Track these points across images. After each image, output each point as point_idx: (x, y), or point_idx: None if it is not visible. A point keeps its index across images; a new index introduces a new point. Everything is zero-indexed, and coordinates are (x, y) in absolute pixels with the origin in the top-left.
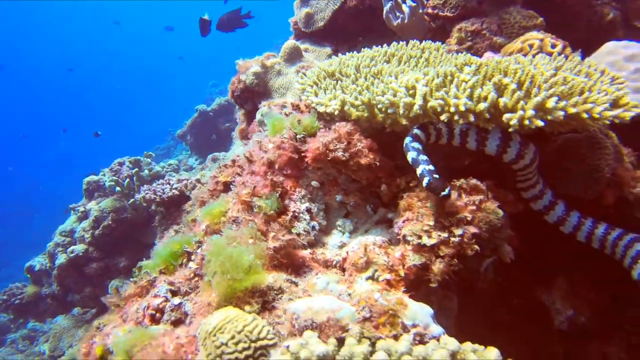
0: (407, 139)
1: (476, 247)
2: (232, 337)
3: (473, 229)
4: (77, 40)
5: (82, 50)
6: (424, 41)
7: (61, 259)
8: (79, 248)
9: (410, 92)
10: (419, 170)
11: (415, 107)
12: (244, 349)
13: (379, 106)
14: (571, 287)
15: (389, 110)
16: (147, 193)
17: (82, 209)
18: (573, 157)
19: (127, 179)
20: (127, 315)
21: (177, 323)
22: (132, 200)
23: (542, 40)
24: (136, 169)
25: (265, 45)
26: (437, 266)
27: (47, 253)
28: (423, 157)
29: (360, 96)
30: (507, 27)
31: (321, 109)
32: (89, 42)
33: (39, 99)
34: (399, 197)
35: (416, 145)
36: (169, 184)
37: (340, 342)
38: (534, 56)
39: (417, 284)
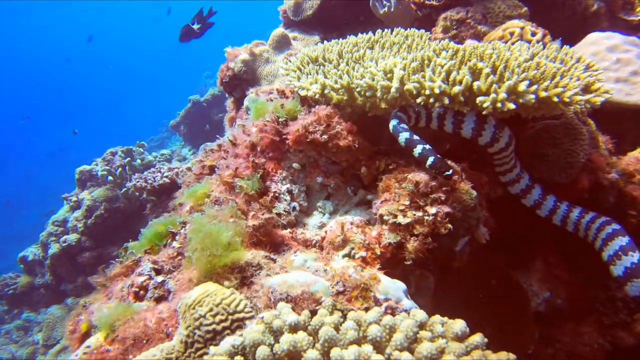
0: (393, 122)
1: (450, 226)
2: (210, 310)
3: (447, 209)
4: (72, 32)
5: (76, 42)
6: (408, 29)
7: (54, 248)
8: (72, 237)
9: (388, 75)
10: (417, 150)
11: (392, 90)
12: (221, 321)
13: (358, 89)
14: (548, 269)
15: (367, 94)
16: (138, 181)
17: (74, 198)
18: (549, 142)
19: (120, 169)
20: (112, 294)
21: (159, 300)
22: (124, 189)
23: (522, 28)
24: (128, 159)
25: (260, 36)
26: (412, 244)
27: (40, 243)
28: (417, 137)
29: (340, 80)
30: (492, 16)
31: (303, 93)
32: (83, 34)
33: (33, 90)
34: (378, 179)
35: (404, 126)
36: (159, 172)
37: (314, 313)
38: (513, 43)
39: (394, 263)
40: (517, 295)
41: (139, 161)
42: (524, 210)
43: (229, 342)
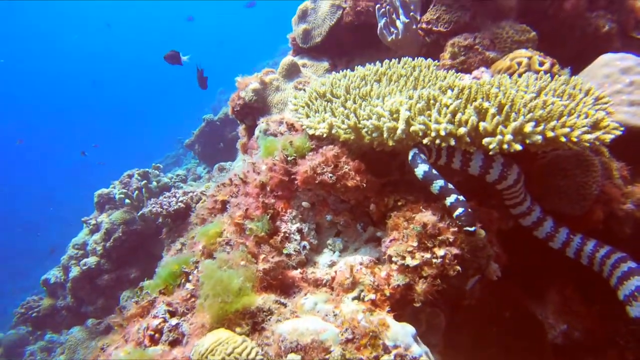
0: (413, 150)
1: (458, 267)
2: None
3: (455, 250)
4: (89, 51)
5: (94, 61)
6: (416, 58)
7: (74, 271)
8: (91, 260)
9: (394, 116)
10: (449, 200)
11: (399, 132)
12: None
13: (364, 130)
14: (564, 301)
15: (374, 135)
16: (154, 207)
17: (93, 221)
18: (560, 173)
19: (136, 191)
20: (129, 336)
21: (174, 343)
22: (141, 212)
23: (530, 58)
24: (145, 181)
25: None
26: (421, 286)
27: (62, 266)
28: (436, 172)
29: (347, 120)
30: (500, 42)
31: (311, 132)
32: (99, 52)
33: (54, 110)
34: (387, 216)
35: (424, 157)
36: (174, 197)
37: None
38: (520, 75)
39: (403, 303)
40: (532, 327)
41: (155, 183)
42: (538, 240)
43: None
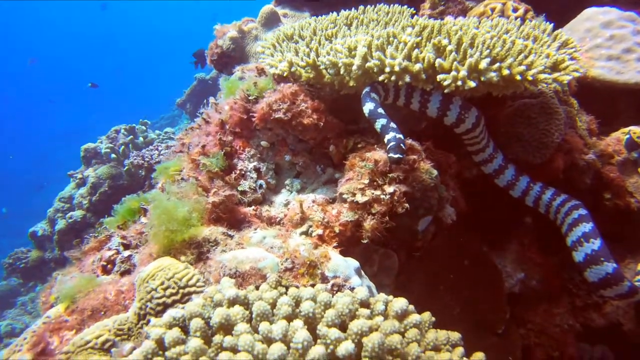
0: (365, 89)
1: (407, 205)
2: (162, 283)
3: (404, 188)
4: (83, 15)
5: (90, 19)
6: (391, 5)
7: (60, 224)
8: (77, 214)
9: (352, 53)
10: (379, 124)
11: (354, 68)
12: (172, 294)
13: (322, 67)
14: (523, 250)
15: (331, 71)
16: (135, 159)
17: (79, 175)
18: (524, 121)
19: (123, 146)
20: (84, 268)
21: (125, 274)
22: (127, 167)
23: (504, 4)
24: (131, 137)
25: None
26: (369, 222)
27: (48, 219)
28: (382, 111)
29: (305, 57)
30: None
31: (272, 71)
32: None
33: (47, 70)
34: (346, 157)
35: (375, 97)
36: (157, 150)
37: (258, 289)
38: (492, 20)
39: (354, 242)
40: (490, 275)
41: (141, 139)
42: (500, 191)
43: (170, 314)
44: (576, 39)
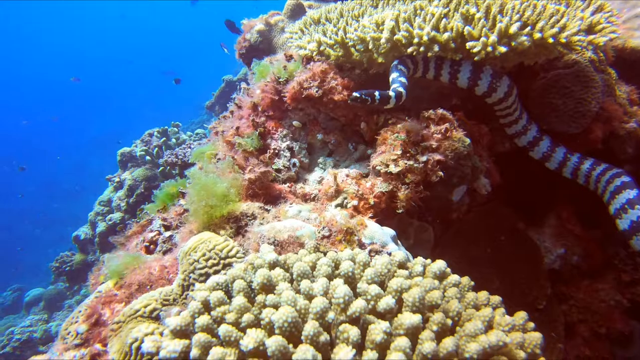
0: (394, 62)
1: (440, 173)
2: (203, 255)
3: (437, 156)
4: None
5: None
6: None
7: (101, 226)
8: (116, 216)
9: (380, 27)
10: (392, 76)
11: (382, 41)
12: (213, 265)
13: (350, 43)
14: (562, 224)
15: (360, 47)
16: (169, 157)
17: (117, 179)
18: (559, 91)
19: (156, 148)
20: (128, 250)
21: (167, 252)
22: (161, 168)
23: None
24: (164, 138)
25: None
26: (403, 192)
27: (89, 222)
28: (403, 79)
29: (334, 35)
30: None
31: (301, 52)
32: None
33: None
34: (378, 134)
35: (401, 67)
36: (190, 148)
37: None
38: None
39: (389, 214)
40: (529, 250)
41: (174, 140)
42: (536, 164)
43: (213, 279)
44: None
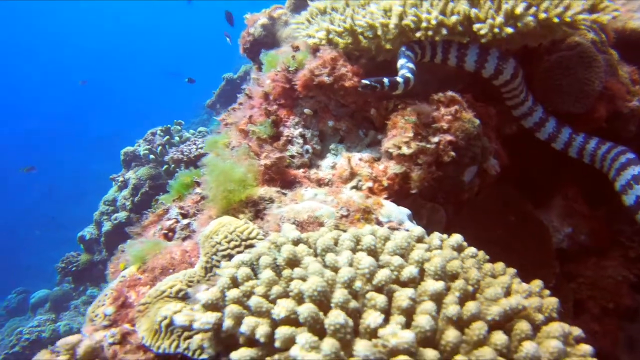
0: (401, 48)
1: (452, 153)
2: (225, 237)
3: (449, 137)
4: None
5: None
6: None
7: (106, 226)
8: (121, 215)
9: (388, 13)
10: (400, 62)
11: (391, 26)
12: (235, 246)
13: (359, 30)
14: (568, 204)
15: (368, 34)
16: (175, 154)
17: (121, 178)
18: (563, 72)
19: (160, 147)
20: (145, 239)
21: (186, 239)
22: (165, 166)
23: None
24: (167, 137)
25: None
26: (416, 173)
27: (94, 222)
28: (411, 65)
29: (342, 23)
30: None
31: (310, 41)
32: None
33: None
34: (387, 119)
35: (409, 53)
36: (194, 144)
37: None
38: None
39: (402, 195)
40: (537, 230)
41: (177, 138)
42: (542, 145)
43: (238, 257)
44: None
